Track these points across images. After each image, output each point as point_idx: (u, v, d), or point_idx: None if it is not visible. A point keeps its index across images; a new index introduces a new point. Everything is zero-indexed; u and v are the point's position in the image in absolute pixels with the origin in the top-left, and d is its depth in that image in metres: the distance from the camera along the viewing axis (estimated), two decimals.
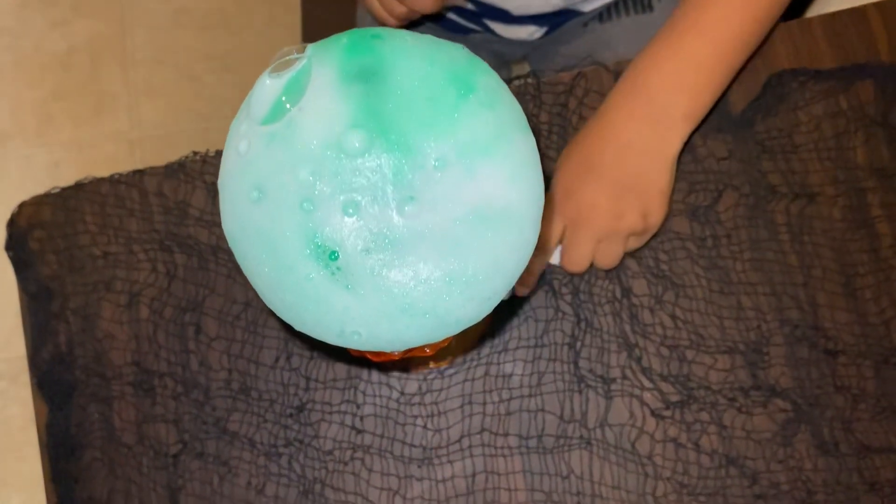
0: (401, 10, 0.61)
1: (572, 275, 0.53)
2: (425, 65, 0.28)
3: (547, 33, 0.74)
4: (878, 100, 0.56)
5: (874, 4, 0.58)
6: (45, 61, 1.31)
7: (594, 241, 0.50)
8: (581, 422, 0.52)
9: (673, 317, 0.53)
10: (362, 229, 0.26)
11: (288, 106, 0.30)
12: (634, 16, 0.77)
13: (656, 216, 0.50)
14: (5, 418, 1.19)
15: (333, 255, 0.27)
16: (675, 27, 0.50)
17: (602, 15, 0.77)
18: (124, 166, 1.20)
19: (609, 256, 0.51)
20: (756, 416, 0.52)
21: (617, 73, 0.56)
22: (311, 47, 0.32)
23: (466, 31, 0.77)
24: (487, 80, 0.29)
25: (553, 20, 0.74)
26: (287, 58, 0.31)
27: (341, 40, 0.29)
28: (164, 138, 1.27)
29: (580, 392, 0.52)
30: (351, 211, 0.27)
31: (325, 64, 0.29)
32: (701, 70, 0.49)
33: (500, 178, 0.28)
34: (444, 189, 0.27)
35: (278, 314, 0.29)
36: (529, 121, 0.53)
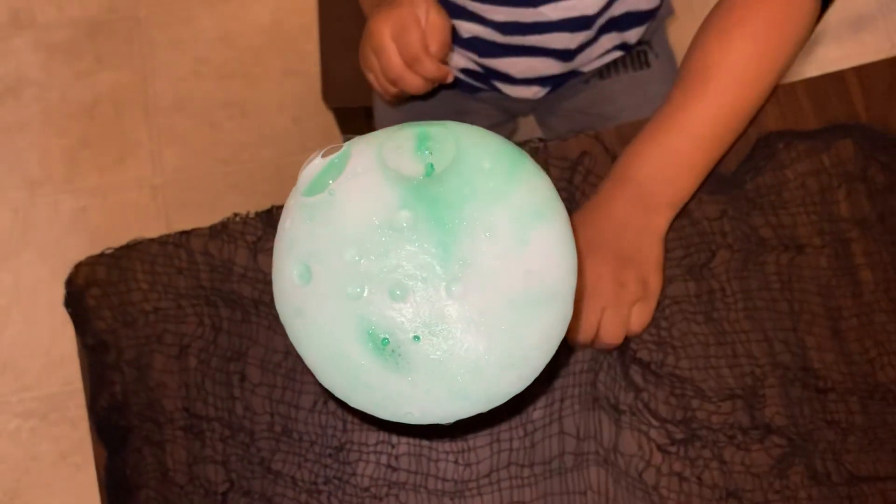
0: (393, 90, 0.65)
1: (581, 348, 0.58)
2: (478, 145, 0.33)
3: (550, 92, 0.80)
4: (857, 157, 0.61)
5: (853, 69, 0.63)
6: (72, 111, 1.37)
7: (601, 310, 0.54)
8: (597, 438, 0.56)
9: (674, 376, 0.58)
10: (413, 315, 0.31)
11: (330, 181, 0.34)
12: (633, 72, 0.83)
13: (655, 283, 0.56)
14: (36, 455, 1.23)
15: (385, 342, 0.31)
16: (660, 124, 0.56)
17: (602, 72, 0.83)
18: (148, 211, 1.26)
19: (615, 325, 0.54)
20: (754, 451, 0.56)
21: (613, 155, 0.61)
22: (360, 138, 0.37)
23: (476, 90, 0.83)
24: (527, 158, 0.34)
25: (556, 80, 0.79)
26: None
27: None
28: (186, 182, 1.33)
29: (594, 410, 0.57)
30: (399, 293, 0.32)
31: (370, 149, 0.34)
32: (683, 164, 0.55)
33: (549, 246, 0.32)
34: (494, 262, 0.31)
35: (333, 392, 0.33)
36: None
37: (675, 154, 0.55)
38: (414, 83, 0.61)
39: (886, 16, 1.35)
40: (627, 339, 0.58)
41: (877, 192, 0.61)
